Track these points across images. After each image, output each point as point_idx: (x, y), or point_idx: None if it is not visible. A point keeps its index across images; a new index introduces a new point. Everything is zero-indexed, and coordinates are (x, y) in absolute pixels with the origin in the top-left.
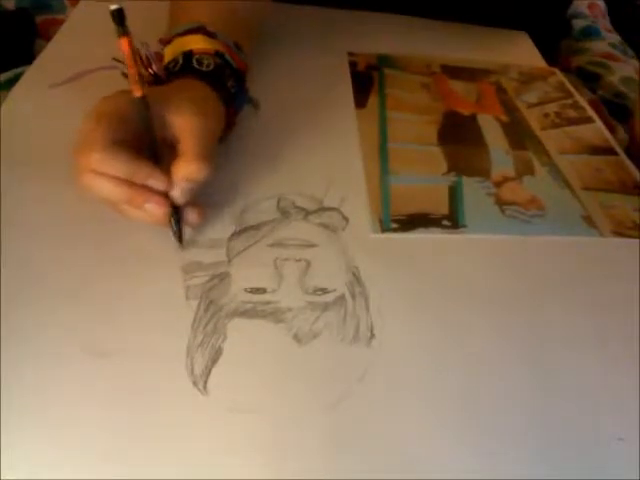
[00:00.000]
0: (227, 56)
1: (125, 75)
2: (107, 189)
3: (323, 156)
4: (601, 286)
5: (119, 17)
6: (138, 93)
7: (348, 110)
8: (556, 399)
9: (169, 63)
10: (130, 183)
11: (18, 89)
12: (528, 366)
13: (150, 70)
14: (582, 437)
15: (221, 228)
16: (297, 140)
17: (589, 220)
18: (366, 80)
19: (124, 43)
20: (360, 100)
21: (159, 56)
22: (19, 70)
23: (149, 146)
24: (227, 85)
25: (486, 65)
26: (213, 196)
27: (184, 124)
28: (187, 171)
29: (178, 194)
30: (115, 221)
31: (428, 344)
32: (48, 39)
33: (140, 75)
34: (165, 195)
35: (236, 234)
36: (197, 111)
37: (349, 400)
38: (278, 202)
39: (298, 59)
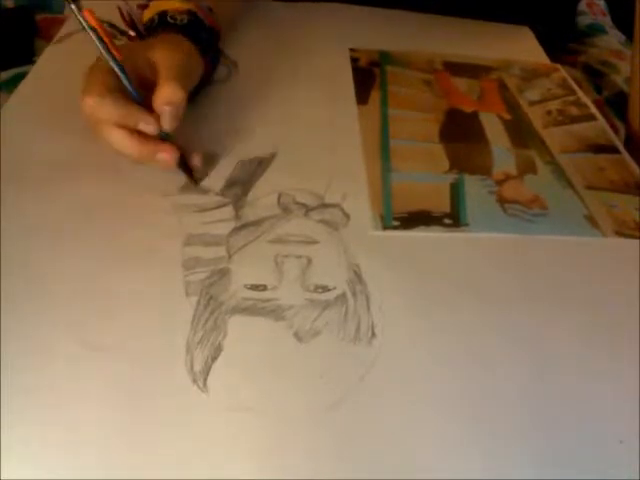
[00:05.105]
0: (199, 15)
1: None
2: (117, 141)
3: (324, 152)
4: (603, 287)
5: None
6: (119, 57)
7: (350, 106)
8: (556, 400)
9: (146, 23)
10: (139, 138)
11: (20, 91)
12: (529, 366)
13: (131, 32)
14: (582, 439)
15: (221, 224)
16: (298, 136)
17: (592, 220)
18: (368, 76)
19: (90, 17)
20: (362, 96)
21: (140, 19)
22: (19, 70)
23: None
24: (200, 37)
25: (488, 62)
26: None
27: (158, 59)
28: (164, 95)
29: (165, 121)
30: (115, 217)
31: (429, 344)
32: (47, 38)
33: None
34: (170, 143)
35: (236, 230)
36: (168, 47)
37: (350, 400)
38: (279, 198)
39: (300, 54)
